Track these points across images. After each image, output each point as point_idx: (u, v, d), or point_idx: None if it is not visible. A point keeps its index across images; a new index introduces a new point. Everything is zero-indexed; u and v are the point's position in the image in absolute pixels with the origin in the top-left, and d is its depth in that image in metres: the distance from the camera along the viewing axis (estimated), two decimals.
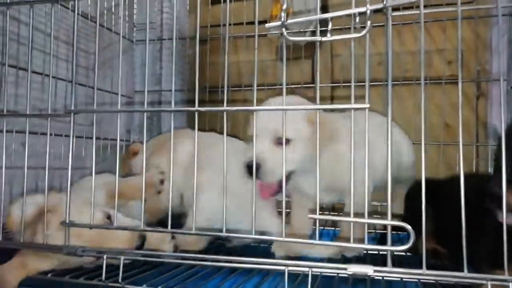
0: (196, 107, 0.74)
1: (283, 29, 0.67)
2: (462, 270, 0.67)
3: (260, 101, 1.92)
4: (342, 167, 0.92)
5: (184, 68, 1.95)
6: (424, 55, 0.63)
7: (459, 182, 1.11)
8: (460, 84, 0.62)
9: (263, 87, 1.78)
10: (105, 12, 1.71)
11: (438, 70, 1.62)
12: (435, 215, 0.94)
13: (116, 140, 1.74)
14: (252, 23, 1.70)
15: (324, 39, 0.65)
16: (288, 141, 0.96)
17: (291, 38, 0.67)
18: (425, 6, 0.64)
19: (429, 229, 0.97)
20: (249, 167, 0.93)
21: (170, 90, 1.89)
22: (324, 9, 1.76)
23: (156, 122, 1.91)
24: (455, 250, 0.97)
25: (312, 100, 0.95)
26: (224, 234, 0.72)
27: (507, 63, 1.47)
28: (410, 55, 1.66)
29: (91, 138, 1.66)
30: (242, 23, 1.74)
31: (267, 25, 0.69)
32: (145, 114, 0.80)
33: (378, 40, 1.64)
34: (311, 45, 1.73)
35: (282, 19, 0.66)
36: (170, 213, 0.76)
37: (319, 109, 0.67)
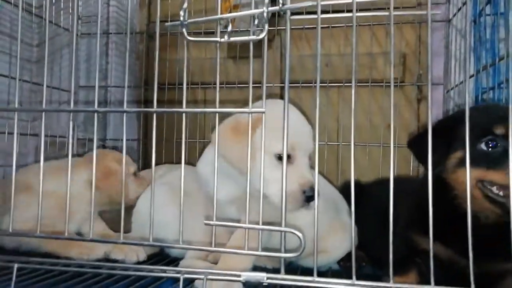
0: (95, 107, 0.71)
1: (184, 29, 0.65)
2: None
3: (211, 102, 1.90)
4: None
5: (133, 64, 1.90)
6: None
7: (378, 186, 1.13)
8: (354, 93, 0.61)
9: (209, 86, 1.76)
10: (46, 3, 1.64)
11: (382, 72, 1.64)
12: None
13: (63, 137, 1.71)
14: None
15: (222, 40, 0.63)
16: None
17: (191, 39, 0.65)
18: (327, 12, 0.63)
19: None
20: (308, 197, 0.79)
21: (117, 86, 1.84)
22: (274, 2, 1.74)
23: (101, 119, 1.85)
24: (372, 254, 0.99)
25: None
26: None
27: (444, 67, 1.51)
28: (356, 57, 1.67)
29: (35, 135, 1.62)
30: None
31: (166, 24, 0.66)
32: (43, 113, 0.76)
33: (326, 41, 1.64)
34: (259, 44, 1.71)
35: (181, 19, 0.64)
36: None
37: (218, 112, 0.65)
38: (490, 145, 0.70)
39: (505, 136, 0.65)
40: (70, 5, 1.72)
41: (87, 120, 1.84)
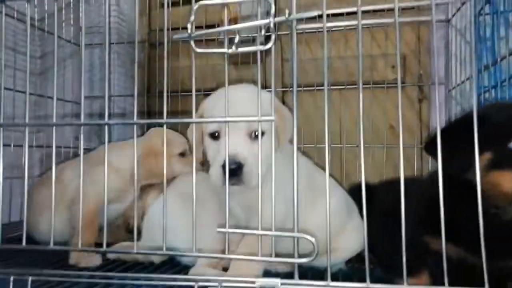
0: (106, 120, 0.72)
1: (192, 42, 0.66)
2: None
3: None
4: None
5: (134, 72, 1.91)
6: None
7: (385, 187, 1.13)
8: (361, 97, 0.62)
9: (211, 92, 1.77)
10: (47, 16, 1.66)
11: (383, 74, 1.65)
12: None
13: (66, 147, 1.72)
14: (201, 27, 1.70)
15: (230, 51, 0.64)
16: (262, 134, 0.79)
17: (199, 50, 0.66)
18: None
19: None
20: (227, 169, 0.76)
21: (120, 96, 1.85)
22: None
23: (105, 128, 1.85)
24: (381, 256, 0.99)
25: None
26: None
27: (444, 67, 1.52)
28: (356, 60, 1.68)
29: (40, 146, 1.63)
30: (201, 27, 1.72)
31: (174, 36, 0.68)
32: (53, 127, 0.77)
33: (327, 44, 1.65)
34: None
35: (189, 32, 0.65)
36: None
37: (228, 121, 0.66)
38: None
39: None
40: (72, 16, 1.75)
41: (91, 130, 1.85)
